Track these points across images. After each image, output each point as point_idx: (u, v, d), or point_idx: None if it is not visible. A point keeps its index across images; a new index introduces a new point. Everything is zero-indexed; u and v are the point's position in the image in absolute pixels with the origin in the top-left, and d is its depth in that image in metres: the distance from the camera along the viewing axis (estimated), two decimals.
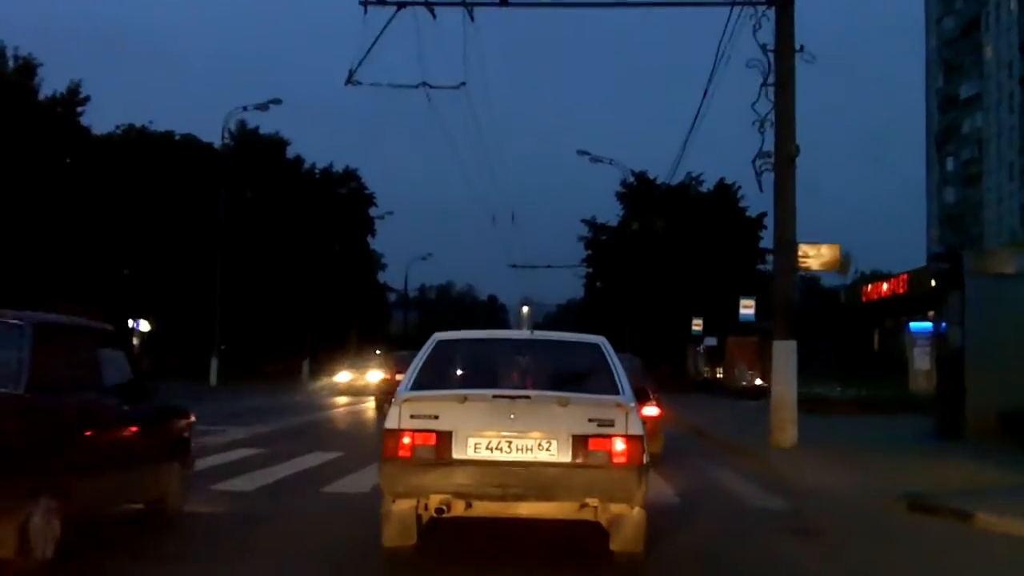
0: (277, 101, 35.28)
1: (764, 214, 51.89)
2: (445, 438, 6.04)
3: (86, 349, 6.94)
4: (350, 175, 59.35)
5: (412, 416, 6.10)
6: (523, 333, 7.50)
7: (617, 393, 6.33)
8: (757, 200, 52.78)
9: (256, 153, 50.07)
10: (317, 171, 57.52)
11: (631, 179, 48.48)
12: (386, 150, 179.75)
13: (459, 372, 6.79)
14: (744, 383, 38.16)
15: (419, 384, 6.41)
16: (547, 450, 6.03)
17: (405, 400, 6.18)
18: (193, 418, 8.58)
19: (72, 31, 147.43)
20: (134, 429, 7.21)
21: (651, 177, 51.82)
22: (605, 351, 6.84)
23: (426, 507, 6.22)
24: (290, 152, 55.29)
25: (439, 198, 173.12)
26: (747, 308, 36.04)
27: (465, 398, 6.11)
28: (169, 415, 8.15)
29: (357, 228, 58.99)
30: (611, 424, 6.03)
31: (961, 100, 69.26)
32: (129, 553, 6.64)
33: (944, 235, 68.92)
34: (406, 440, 6.05)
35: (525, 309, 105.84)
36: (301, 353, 48.09)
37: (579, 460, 6.00)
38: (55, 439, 6.01)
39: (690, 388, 43.47)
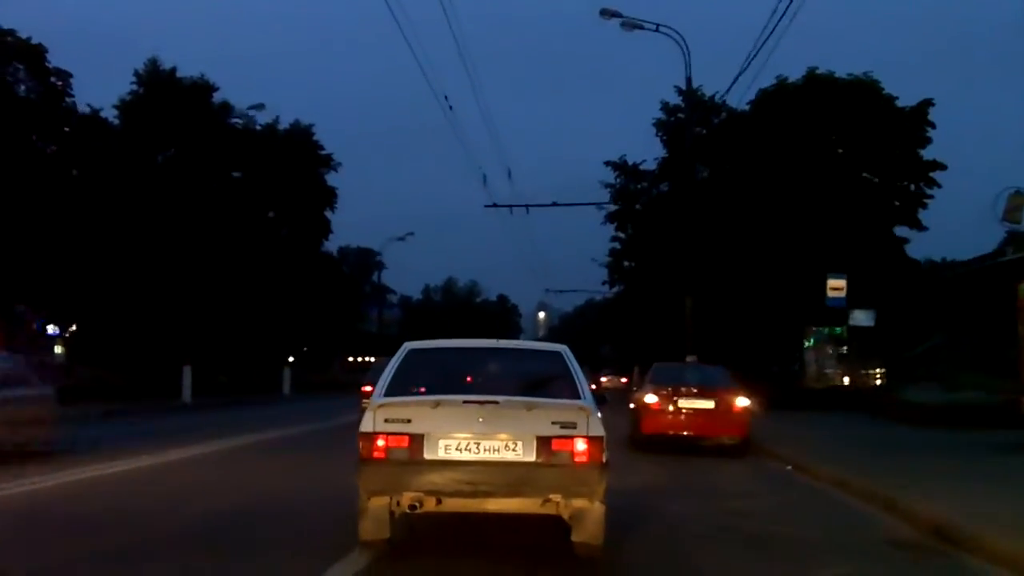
0: None
1: (928, 102, 32.96)
2: (418, 440, 6.48)
3: None
4: (300, 131, 48.15)
5: (386, 420, 6.55)
6: (489, 342, 7.93)
7: (578, 398, 6.80)
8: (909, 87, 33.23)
9: (173, 100, 39.98)
10: (259, 125, 46.10)
11: (676, 100, 32.56)
12: (399, 154, 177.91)
13: (429, 379, 7.21)
14: None
15: (392, 390, 6.88)
16: (513, 450, 6.48)
17: (380, 406, 6.63)
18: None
19: None
20: None
21: (706, 96, 34.29)
22: (566, 358, 7.34)
23: (399, 504, 6.66)
24: (239, 111, 44.19)
25: (445, 195, 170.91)
26: None
27: (437, 403, 6.55)
28: None
29: (310, 197, 47.60)
30: (573, 426, 6.48)
31: None
32: None
33: None
34: (380, 443, 6.51)
35: (541, 315, 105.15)
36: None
37: (543, 459, 6.44)
38: None
39: (809, 404, 26.62)
